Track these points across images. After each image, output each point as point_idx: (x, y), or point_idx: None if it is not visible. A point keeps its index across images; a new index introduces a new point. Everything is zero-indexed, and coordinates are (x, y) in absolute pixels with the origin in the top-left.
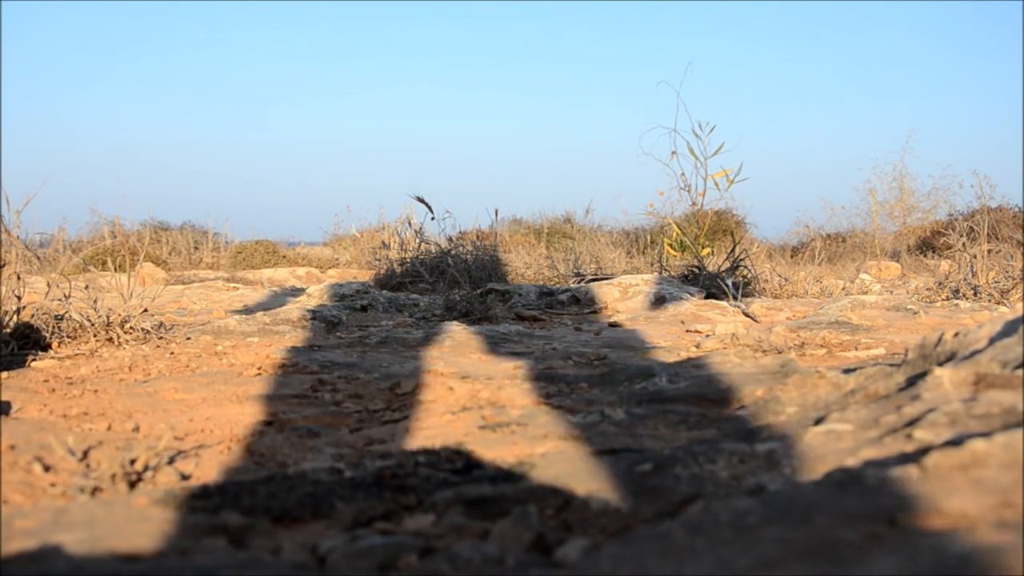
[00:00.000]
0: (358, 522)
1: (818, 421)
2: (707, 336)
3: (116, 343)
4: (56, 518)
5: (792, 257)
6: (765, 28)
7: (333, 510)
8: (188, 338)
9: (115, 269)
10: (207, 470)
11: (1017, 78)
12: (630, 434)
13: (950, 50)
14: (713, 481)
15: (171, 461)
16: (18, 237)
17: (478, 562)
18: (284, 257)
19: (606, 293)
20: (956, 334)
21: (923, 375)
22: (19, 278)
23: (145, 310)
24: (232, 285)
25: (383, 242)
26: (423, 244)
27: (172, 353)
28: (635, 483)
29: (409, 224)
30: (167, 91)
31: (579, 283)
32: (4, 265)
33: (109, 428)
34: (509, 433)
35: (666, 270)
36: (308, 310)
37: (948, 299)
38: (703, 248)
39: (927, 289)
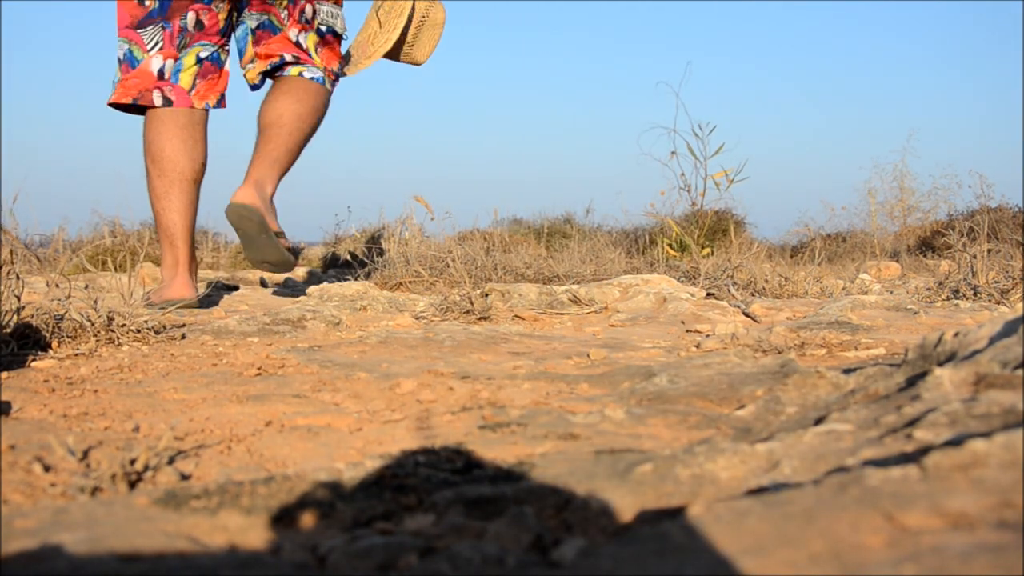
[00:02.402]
0: (358, 522)
1: (818, 421)
2: (707, 336)
3: (116, 343)
4: (56, 518)
5: (792, 257)
6: (765, 28)
7: (333, 510)
8: (183, 336)
9: (115, 269)
10: (207, 470)
11: (1017, 78)
12: (630, 434)
13: (950, 50)
14: (713, 481)
15: (171, 461)
16: (17, 237)
17: (478, 562)
18: None
19: (606, 293)
20: (956, 334)
21: (923, 375)
22: (18, 278)
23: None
24: (232, 284)
25: (383, 242)
26: (423, 244)
27: (172, 353)
28: (635, 483)
29: (409, 224)
30: None
31: (579, 283)
32: (3, 265)
33: (109, 428)
34: (509, 433)
35: (666, 270)
36: (308, 310)
37: (948, 299)
38: (703, 248)
39: (927, 289)
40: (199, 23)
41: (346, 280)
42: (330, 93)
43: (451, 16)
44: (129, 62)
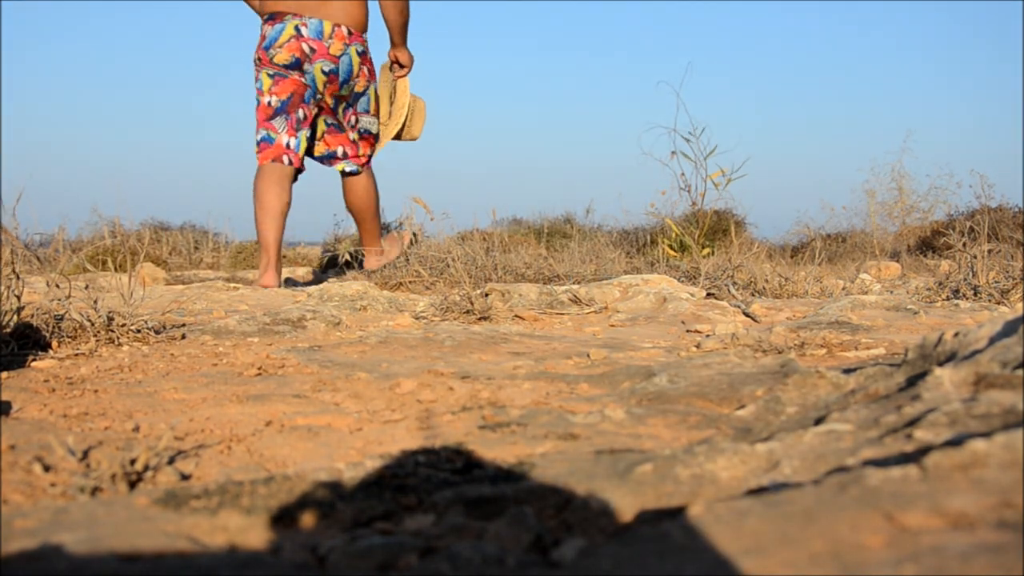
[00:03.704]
0: (358, 522)
1: (818, 421)
2: (707, 336)
3: (116, 343)
4: (56, 518)
5: (792, 257)
6: (765, 28)
7: (333, 510)
8: (183, 336)
9: (115, 269)
10: (207, 470)
11: (1017, 78)
12: (630, 434)
13: (948, 50)
14: (713, 481)
15: (171, 461)
16: (17, 237)
17: (478, 562)
18: (284, 257)
19: (606, 293)
20: (956, 334)
21: (923, 375)
22: (19, 278)
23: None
24: (232, 285)
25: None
26: (422, 244)
27: (172, 353)
28: (635, 483)
29: (408, 224)
30: (167, 90)
31: (579, 283)
32: (3, 265)
33: (109, 428)
34: (509, 433)
35: (666, 270)
36: (308, 310)
37: (948, 299)
38: (703, 248)
39: (927, 289)
40: (305, 116)
41: (346, 280)
42: (369, 171)
43: (451, 15)
44: (268, 141)
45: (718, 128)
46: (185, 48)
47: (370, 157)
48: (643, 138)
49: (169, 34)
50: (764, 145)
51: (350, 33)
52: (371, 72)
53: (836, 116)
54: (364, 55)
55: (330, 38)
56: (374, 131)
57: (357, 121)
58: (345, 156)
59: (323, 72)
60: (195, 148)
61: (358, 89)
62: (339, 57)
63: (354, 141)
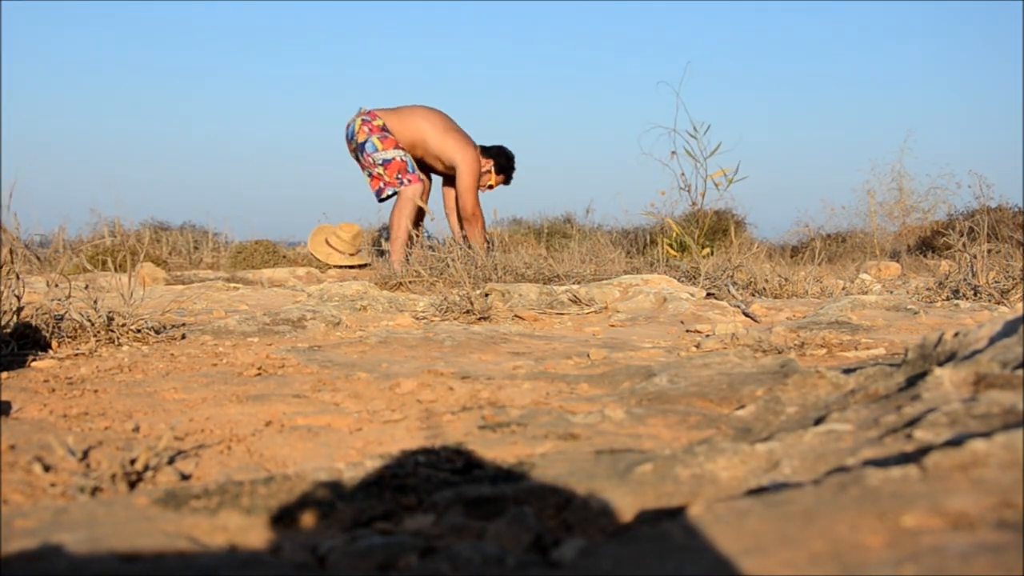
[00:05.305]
0: (358, 522)
1: (818, 421)
2: (707, 336)
3: (116, 343)
4: (56, 518)
5: (792, 257)
6: (764, 28)
7: (333, 510)
8: (183, 336)
9: (115, 269)
10: (207, 470)
11: (1017, 78)
12: (630, 434)
13: (948, 50)
14: (713, 481)
15: (171, 461)
16: (17, 237)
17: (478, 562)
18: (284, 257)
19: (606, 293)
20: (956, 334)
21: (923, 375)
22: (19, 278)
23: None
24: (232, 285)
25: (383, 242)
26: (423, 244)
27: (172, 353)
28: (635, 483)
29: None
30: (167, 90)
31: (579, 283)
32: (3, 265)
33: (109, 428)
34: (509, 433)
35: (666, 270)
36: (308, 310)
37: (948, 299)
38: (703, 248)
39: (927, 289)
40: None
41: (346, 280)
42: (399, 199)
43: (452, 15)
44: (413, 171)
45: (718, 128)
46: (185, 48)
47: (400, 181)
48: (643, 138)
49: (170, 34)
50: (764, 145)
51: (367, 112)
52: (370, 131)
53: (836, 116)
54: (365, 122)
55: (353, 120)
56: (388, 157)
57: (373, 161)
58: (380, 190)
59: (346, 140)
60: (195, 148)
61: (360, 139)
62: (348, 126)
63: (379, 175)
